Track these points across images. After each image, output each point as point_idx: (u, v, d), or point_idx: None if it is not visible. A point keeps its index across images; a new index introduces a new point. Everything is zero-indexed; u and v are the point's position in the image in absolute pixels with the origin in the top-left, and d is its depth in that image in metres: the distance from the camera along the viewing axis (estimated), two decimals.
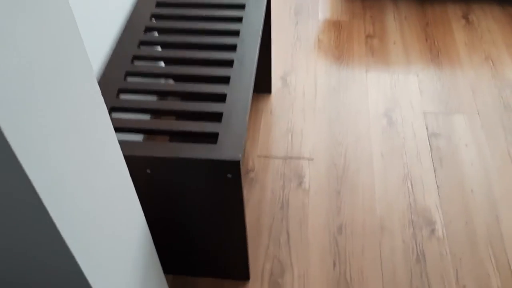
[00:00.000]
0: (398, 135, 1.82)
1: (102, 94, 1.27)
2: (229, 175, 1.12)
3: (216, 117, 1.24)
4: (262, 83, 2.00)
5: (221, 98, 1.29)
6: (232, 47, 1.43)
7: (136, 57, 1.40)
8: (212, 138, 1.20)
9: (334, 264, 1.47)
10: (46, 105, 0.58)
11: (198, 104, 1.25)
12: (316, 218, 1.58)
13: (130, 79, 1.49)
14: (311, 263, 1.48)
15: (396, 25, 2.29)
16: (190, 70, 1.35)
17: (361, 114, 1.90)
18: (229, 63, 1.38)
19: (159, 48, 1.66)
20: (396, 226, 1.56)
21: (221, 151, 1.11)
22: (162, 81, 1.86)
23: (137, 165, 1.12)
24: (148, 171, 1.13)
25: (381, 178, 1.69)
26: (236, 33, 1.47)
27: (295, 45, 2.22)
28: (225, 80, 1.33)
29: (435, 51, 2.15)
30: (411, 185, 1.66)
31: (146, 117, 1.73)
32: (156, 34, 1.60)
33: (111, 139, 0.80)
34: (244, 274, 1.45)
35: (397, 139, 1.80)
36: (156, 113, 1.27)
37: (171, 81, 1.93)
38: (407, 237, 1.53)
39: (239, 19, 1.52)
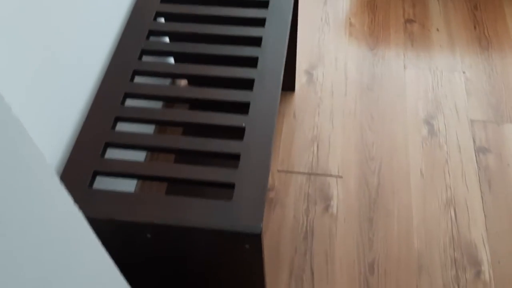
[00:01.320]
0: (440, 148, 1.58)
1: (94, 124, 1.05)
2: (247, 246, 0.91)
3: (232, 159, 1.02)
4: (285, 79, 1.75)
5: (238, 133, 1.06)
6: (252, 62, 1.19)
7: (137, 72, 1.17)
8: (225, 187, 0.99)
9: None
10: None
11: (209, 141, 1.03)
12: (344, 252, 1.39)
13: (129, 101, 1.26)
14: None
15: (440, 7, 1.99)
16: (199, 93, 1.11)
17: (398, 120, 1.66)
18: (247, 85, 1.14)
19: (166, 59, 1.40)
20: (436, 265, 1.36)
21: (237, 217, 0.90)
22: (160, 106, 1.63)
23: (135, 230, 0.92)
24: (149, 235, 0.93)
25: (420, 202, 1.47)
26: (257, 41, 1.22)
27: (322, 29, 1.95)
28: (244, 108, 1.10)
29: (485, 42, 1.86)
30: (455, 213, 1.45)
31: (142, 154, 1.50)
32: (161, 39, 1.35)
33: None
34: None
35: (440, 154, 1.57)
36: (155, 150, 1.05)
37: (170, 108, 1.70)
38: (448, 280, 1.33)
39: (260, 22, 1.27)
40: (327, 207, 1.47)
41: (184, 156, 1.39)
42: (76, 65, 1.05)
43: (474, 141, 1.59)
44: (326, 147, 1.60)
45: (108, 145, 1.04)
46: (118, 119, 1.08)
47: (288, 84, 1.77)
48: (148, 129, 1.51)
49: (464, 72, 1.77)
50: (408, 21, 1.95)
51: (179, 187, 1.45)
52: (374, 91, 1.74)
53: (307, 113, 1.70)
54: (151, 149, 1.04)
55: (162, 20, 1.40)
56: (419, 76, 1.77)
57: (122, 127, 1.22)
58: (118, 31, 1.23)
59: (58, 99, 1.00)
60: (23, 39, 0.86)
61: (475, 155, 1.56)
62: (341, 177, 1.53)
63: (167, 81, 1.64)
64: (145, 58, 1.33)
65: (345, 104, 1.71)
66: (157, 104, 1.53)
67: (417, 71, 1.79)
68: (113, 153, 1.24)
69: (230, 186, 0.97)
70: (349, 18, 1.97)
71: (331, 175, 1.53)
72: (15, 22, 0.83)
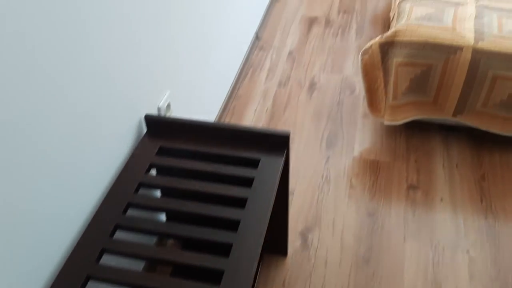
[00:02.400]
0: None
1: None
2: None
3: None
4: (277, 241, 1.67)
5: None
6: (225, 250, 1.12)
7: (118, 227, 1.11)
8: None
9: None
10: None
11: None
12: None
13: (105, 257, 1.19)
14: None
15: (446, 175, 1.93)
16: (173, 255, 1.04)
17: None
18: (217, 277, 1.06)
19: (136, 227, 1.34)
20: None
21: None
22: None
23: None
24: None
25: None
26: (234, 225, 1.16)
27: (322, 189, 1.90)
28: None
29: (491, 218, 1.77)
30: None
31: None
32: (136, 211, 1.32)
33: None
34: None
35: None
36: None
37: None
38: None
39: (242, 202, 1.22)
40: None
41: None
42: (59, 215, 1.00)
43: None
44: None
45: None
46: (89, 277, 1.03)
47: (280, 248, 1.68)
48: None
49: (468, 251, 1.66)
50: (412, 187, 1.89)
51: None
52: (370, 264, 1.63)
53: (297, 284, 1.59)
54: None
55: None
56: (420, 251, 1.67)
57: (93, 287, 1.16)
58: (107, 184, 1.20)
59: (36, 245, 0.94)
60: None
61: None
62: None
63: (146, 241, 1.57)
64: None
65: (338, 277, 1.60)
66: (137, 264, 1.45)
67: (417, 244, 1.69)
68: None
69: None
70: (351, 179, 1.93)
71: None
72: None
